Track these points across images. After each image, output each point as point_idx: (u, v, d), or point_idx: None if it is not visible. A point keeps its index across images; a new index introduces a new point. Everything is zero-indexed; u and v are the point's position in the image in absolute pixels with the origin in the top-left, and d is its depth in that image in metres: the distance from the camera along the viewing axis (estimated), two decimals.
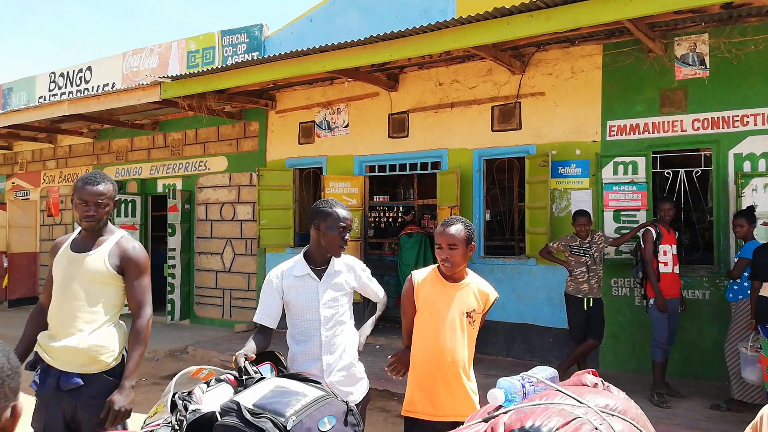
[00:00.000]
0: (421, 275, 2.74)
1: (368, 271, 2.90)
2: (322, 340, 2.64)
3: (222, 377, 2.20)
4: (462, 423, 2.64)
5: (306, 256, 2.72)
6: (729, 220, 5.55)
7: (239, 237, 9.06)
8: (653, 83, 6.01)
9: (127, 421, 2.69)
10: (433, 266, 2.79)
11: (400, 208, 9.61)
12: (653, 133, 6.01)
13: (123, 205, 9.79)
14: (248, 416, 1.73)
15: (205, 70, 7.16)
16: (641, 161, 6.00)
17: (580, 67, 6.39)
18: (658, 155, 6.20)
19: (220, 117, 8.68)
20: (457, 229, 2.60)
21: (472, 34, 5.24)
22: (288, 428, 1.70)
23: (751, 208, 5.14)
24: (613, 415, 1.09)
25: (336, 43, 5.83)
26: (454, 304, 2.64)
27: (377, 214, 9.59)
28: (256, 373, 2.18)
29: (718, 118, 5.73)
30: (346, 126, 8.05)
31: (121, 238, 2.74)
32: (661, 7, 4.48)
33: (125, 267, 2.68)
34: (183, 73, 7.50)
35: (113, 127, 10.32)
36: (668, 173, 6.29)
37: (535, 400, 1.14)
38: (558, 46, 6.45)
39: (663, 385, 5.24)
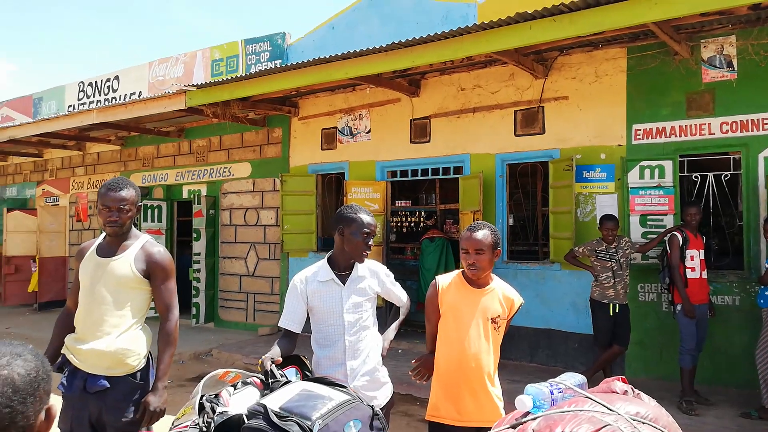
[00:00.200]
0: (445, 280, 2.73)
1: (392, 275, 2.91)
2: (346, 345, 2.65)
3: (248, 380, 2.23)
4: (487, 429, 2.63)
5: (330, 261, 2.74)
6: (759, 224, 5.42)
7: (263, 242, 9.15)
8: (679, 86, 5.92)
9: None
10: (458, 271, 2.78)
11: (422, 213, 9.60)
12: (680, 136, 5.92)
13: (149, 211, 9.98)
14: (275, 419, 1.74)
15: (229, 78, 7.27)
16: (668, 165, 5.91)
17: (605, 71, 6.33)
18: (686, 159, 6.10)
19: (244, 124, 8.80)
20: (484, 234, 2.60)
21: (494, 40, 5.23)
22: (314, 431, 1.72)
23: None
24: (644, 423, 1.07)
25: (358, 50, 5.87)
26: (478, 310, 2.63)
27: (399, 219, 9.60)
28: (282, 376, 2.21)
29: (747, 120, 5.61)
30: (368, 132, 8.08)
31: (146, 242, 2.78)
32: (687, 9, 4.41)
33: (151, 271, 2.72)
34: (208, 82, 7.62)
35: (140, 135, 10.53)
36: (696, 177, 6.18)
37: (564, 407, 1.13)
38: (581, 49, 6.40)
39: (691, 393, 5.14)
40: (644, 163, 6.01)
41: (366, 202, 7.66)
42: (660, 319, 5.92)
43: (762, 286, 4.97)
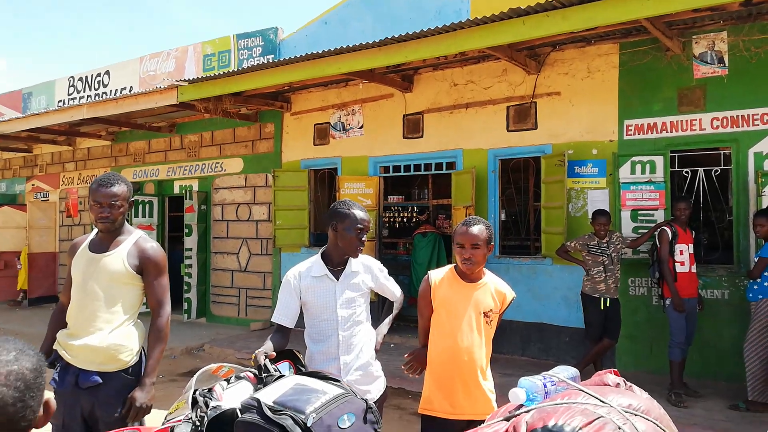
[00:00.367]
0: (438, 275, 2.74)
1: (385, 270, 2.91)
2: (340, 339, 2.65)
3: (242, 375, 2.22)
4: (479, 422, 2.65)
5: (323, 257, 2.74)
6: (749, 219, 5.47)
7: (255, 237, 9.13)
8: (671, 82, 5.95)
9: (146, 417, 2.73)
10: (450, 266, 2.79)
11: (415, 208, 9.61)
12: (671, 132, 5.95)
13: (140, 206, 9.91)
14: (269, 413, 1.74)
15: (221, 73, 7.23)
16: (659, 160, 5.94)
17: (597, 67, 6.35)
18: (677, 154, 6.14)
19: (236, 119, 8.75)
20: (479, 229, 2.61)
21: (487, 35, 5.23)
22: (308, 425, 1.72)
23: None
24: (636, 415, 1.08)
25: (351, 45, 5.85)
26: (471, 304, 2.65)
27: (392, 214, 9.61)
28: (275, 371, 2.20)
29: (737, 116, 5.66)
30: (361, 127, 8.07)
31: (139, 238, 2.76)
32: (678, 5, 4.44)
33: (144, 267, 2.70)
34: (199, 77, 7.58)
35: (131, 130, 10.45)
36: (687, 172, 6.22)
37: (557, 400, 1.14)
38: (574, 45, 6.41)
39: (681, 385, 5.20)
40: (635, 158, 6.04)
41: (359, 198, 7.66)
42: (650, 312, 5.97)
43: (751, 281, 5.02)
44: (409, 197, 9.90)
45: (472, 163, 7.09)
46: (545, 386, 1.23)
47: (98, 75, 11.06)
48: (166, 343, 2.76)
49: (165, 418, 2.20)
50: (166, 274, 2.78)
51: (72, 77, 11.51)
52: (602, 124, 6.31)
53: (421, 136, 7.55)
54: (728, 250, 6.06)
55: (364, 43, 5.77)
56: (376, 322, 2.92)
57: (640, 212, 6.06)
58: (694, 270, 5.31)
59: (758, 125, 5.56)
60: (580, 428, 1.03)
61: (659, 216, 5.92)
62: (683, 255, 5.26)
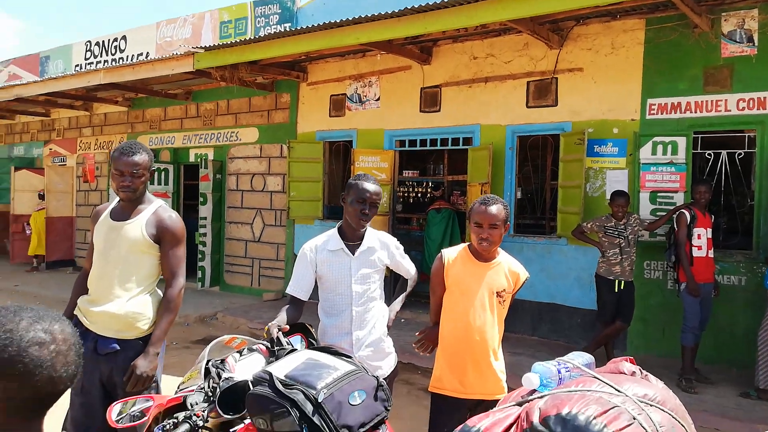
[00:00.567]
0: (451, 254, 2.72)
1: (402, 248, 2.90)
2: (353, 315, 2.66)
3: (254, 347, 2.25)
4: (489, 401, 2.65)
5: (340, 231, 2.73)
6: None
7: (269, 208, 9.16)
8: (697, 60, 5.77)
9: (161, 385, 2.77)
10: (464, 245, 2.77)
11: (430, 184, 9.55)
12: (695, 112, 5.80)
13: (156, 174, 9.97)
14: (280, 387, 1.76)
15: (237, 41, 7.16)
16: (682, 141, 5.81)
17: (621, 43, 6.18)
18: (700, 136, 6.00)
19: (252, 88, 8.69)
20: (498, 209, 2.57)
21: (509, 7, 5.10)
22: (319, 401, 1.73)
23: None
24: (651, 405, 1.06)
25: (369, 15, 5.74)
26: (484, 284, 2.63)
27: (406, 189, 9.55)
28: (288, 344, 2.22)
29: (764, 98, 5.49)
30: (378, 99, 7.98)
31: (159, 207, 2.76)
32: None
33: (161, 236, 2.71)
34: (216, 44, 7.51)
35: (147, 97, 10.45)
36: (709, 155, 6.09)
37: (571, 387, 1.12)
38: (598, 20, 6.24)
39: (692, 371, 5.17)
40: (657, 138, 5.91)
41: (373, 171, 7.61)
42: (664, 296, 5.91)
43: None
44: (425, 172, 9.83)
45: (489, 139, 6.99)
46: (559, 372, 1.21)
47: (115, 40, 11.01)
48: (176, 315, 2.76)
49: (178, 387, 2.24)
50: (182, 245, 2.77)
51: (89, 41, 11.48)
52: (624, 102, 6.16)
53: (438, 111, 7.45)
54: (747, 235, 5.96)
55: (382, 13, 5.65)
56: (388, 299, 2.92)
57: (659, 194, 5.95)
58: (711, 255, 5.23)
59: None
60: (595, 417, 1.01)
61: (679, 199, 5.82)
62: (701, 239, 5.18)
